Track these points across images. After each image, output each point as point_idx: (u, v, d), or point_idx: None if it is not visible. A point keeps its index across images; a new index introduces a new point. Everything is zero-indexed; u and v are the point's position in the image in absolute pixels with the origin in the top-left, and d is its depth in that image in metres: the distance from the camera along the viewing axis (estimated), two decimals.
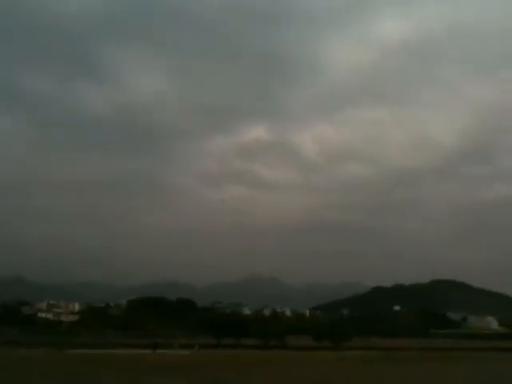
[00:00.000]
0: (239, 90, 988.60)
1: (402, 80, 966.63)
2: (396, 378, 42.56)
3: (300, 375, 42.73)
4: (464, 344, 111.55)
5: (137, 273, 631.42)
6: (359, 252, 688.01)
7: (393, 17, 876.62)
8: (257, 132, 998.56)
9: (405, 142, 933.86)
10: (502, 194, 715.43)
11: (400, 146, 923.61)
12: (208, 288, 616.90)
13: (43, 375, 37.80)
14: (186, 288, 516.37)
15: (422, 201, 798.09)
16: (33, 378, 36.18)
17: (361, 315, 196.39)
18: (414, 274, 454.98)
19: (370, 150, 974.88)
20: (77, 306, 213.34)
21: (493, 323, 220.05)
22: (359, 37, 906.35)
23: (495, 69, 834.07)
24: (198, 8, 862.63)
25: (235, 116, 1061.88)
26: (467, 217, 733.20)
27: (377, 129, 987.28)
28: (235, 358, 60.11)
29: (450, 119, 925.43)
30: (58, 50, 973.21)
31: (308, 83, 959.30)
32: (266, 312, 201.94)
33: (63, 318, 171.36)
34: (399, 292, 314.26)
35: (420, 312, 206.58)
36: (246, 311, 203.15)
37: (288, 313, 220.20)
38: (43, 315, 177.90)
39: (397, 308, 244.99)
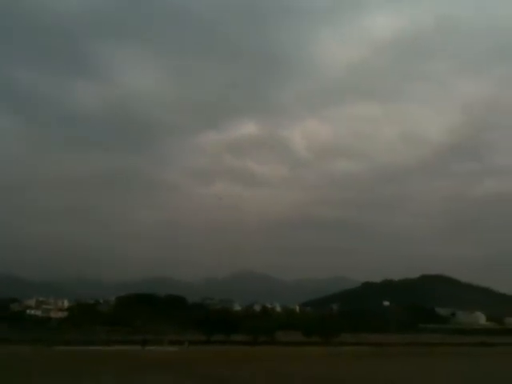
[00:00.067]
0: (230, 86, 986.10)
1: (393, 76, 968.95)
2: (387, 373, 42.79)
3: (290, 371, 42.83)
4: (452, 339, 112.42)
5: (127, 269, 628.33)
6: (349, 248, 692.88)
7: (383, 13, 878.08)
8: (248, 128, 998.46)
9: (395, 138, 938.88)
10: (491, 190, 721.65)
11: (390, 142, 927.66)
12: (198, 284, 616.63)
13: (33, 372, 37.62)
14: (176, 284, 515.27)
15: (412, 197, 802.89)
16: (23, 376, 36.00)
17: (351, 310, 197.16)
18: (404, 269, 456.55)
19: (360, 146, 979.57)
20: (66, 303, 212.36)
21: (481, 318, 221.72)
22: (350, 33, 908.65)
23: (486, 65, 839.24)
24: (188, 5, 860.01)
25: (226, 112, 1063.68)
26: (456, 213, 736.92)
27: (367, 125, 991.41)
28: (225, 354, 60.16)
29: (440, 115, 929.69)
30: (58, 50, 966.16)
31: (299, 79, 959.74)
32: (256, 308, 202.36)
33: (52, 315, 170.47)
34: (388, 287, 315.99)
35: (409, 307, 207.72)
36: (237, 307, 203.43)
37: (278, 308, 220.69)
38: (32, 312, 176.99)
39: (386, 303, 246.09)
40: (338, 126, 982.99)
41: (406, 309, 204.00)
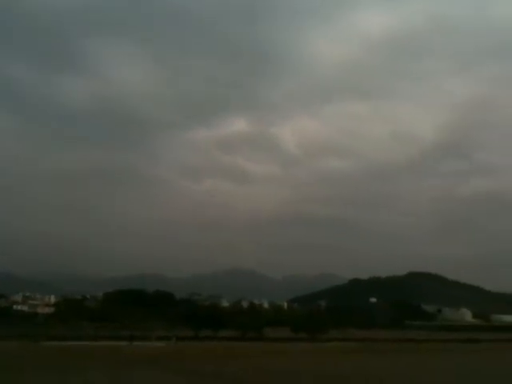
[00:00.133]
0: (221, 83, 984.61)
1: (383, 75, 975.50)
2: (375, 369, 43.13)
3: (277, 366, 43.00)
4: (438, 335, 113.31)
5: (115, 265, 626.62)
6: (338, 245, 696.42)
7: (375, 11, 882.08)
8: (238, 125, 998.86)
9: (385, 136, 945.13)
10: (479, 189, 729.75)
11: (380, 141, 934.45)
12: (186, 280, 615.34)
13: (21, 367, 37.41)
14: (164, 280, 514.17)
15: (401, 195, 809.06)
16: (10, 371, 35.77)
17: (338, 307, 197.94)
18: (391, 266, 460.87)
19: (350, 144, 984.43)
20: (53, 299, 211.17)
21: (467, 315, 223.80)
22: (341, 31, 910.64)
23: (476, 64, 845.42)
24: (182, 3, 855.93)
25: (217, 110, 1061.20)
26: (445, 212, 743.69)
27: (357, 123, 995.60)
28: (212, 350, 60.15)
29: (429, 114, 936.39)
30: (45, 44, 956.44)
31: (290, 77, 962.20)
32: (244, 304, 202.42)
33: (39, 311, 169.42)
34: (376, 284, 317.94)
35: (395, 304, 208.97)
36: (224, 303, 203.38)
37: (266, 305, 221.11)
38: (19, 307, 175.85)
39: (373, 300, 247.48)
40: (328, 123, 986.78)
41: (393, 305, 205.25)
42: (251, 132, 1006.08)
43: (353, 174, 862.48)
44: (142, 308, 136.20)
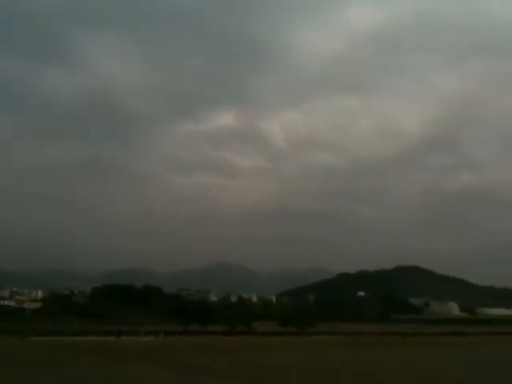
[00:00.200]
0: (209, 77, 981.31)
1: (371, 69, 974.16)
2: (363, 362, 43.35)
3: (265, 360, 43.06)
4: (425, 329, 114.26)
5: (103, 260, 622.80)
6: (326, 239, 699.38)
7: (362, 6, 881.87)
8: (226, 119, 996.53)
9: (372, 131, 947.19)
10: (466, 184, 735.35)
11: (369, 135, 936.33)
12: (175, 275, 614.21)
13: (9, 362, 37.09)
14: (152, 275, 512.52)
15: (389, 190, 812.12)
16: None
17: (327, 301, 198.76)
18: (379, 260, 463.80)
19: (338, 139, 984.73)
20: (40, 294, 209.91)
21: (454, 308, 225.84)
22: (329, 26, 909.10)
23: (464, 60, 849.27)
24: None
25: (204, 103, 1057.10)
26: (433, 206, 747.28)
27: (345, 118, 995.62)
28: (201, 345, 60.12)
29: (417, 109, 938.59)
30: (31, 36, 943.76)
31: (277, 71, 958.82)
32: (233, 298, 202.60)
33: (26, 306, 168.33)
34: (364, 278, 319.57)
35: (383, 297, 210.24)
36: (213, 298, 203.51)
37: (255, 299, 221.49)
38: (5, 303, 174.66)
39: (361, 294, 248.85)
40: (316, 118, 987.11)
41: (381, 299, 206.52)
42: (239, 126, 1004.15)
43: (341, 169, 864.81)
44: (130, 303, 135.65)
